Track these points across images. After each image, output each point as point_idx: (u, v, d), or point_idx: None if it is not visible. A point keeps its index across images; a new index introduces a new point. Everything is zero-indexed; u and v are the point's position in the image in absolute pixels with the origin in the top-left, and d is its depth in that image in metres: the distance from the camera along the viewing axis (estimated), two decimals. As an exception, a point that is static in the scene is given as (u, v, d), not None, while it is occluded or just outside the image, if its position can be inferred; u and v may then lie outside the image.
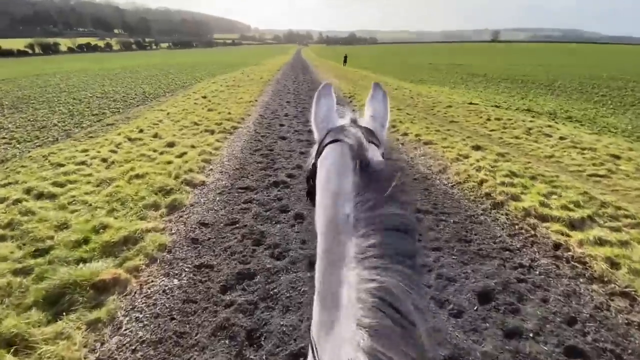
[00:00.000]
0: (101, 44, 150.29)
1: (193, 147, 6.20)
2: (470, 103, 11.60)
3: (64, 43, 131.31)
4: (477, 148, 6.34)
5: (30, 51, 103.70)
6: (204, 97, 12.01)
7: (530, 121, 8.84)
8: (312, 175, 0.81)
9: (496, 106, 11.38)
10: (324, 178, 0.68)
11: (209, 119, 8.45)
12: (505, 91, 15.98)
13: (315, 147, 0.82)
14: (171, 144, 6.38)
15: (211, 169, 5.36)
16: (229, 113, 9.19)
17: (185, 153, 5.82)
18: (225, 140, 6.80)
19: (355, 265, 0.47)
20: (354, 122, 0.80)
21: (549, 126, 8.17)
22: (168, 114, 9.23)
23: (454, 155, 5.89)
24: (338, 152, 0.68)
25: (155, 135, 6.97)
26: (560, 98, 13.97)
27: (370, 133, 0.75)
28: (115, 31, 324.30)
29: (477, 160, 5.60)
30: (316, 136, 0.85)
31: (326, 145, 0.73)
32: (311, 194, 0.81)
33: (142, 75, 23.03)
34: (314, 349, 0.57)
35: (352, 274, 0.47)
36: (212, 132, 7.15)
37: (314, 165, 0.79)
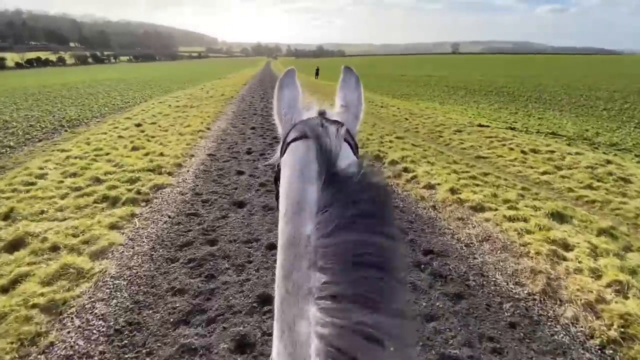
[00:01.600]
0: (53, 58, 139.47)
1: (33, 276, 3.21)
2: (480, 125, 9.43)
3: (11, 58, 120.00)
4: (559, 217, 3.89)
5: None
6: (138, 126, 8.92)
7: (577, 153, 6.66)
8: (278, 177, 0.68)
9: (511, 128, 9.27)
10: (285, 183, 0.59)
11: (125, 168, 5.45)
12: (501, 106, 14.20)
13: (280, 144, 0.71)
14: None
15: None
16: (161, 154, 6.22)
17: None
18: (128, 223, 3.81)
19: (313, 301, 0.40)
20: (322, 114, 0.68)
21: (619, 165, 5.95)
22: (66, 158, 6.10)
23: (539, 242, 3.37)
24: (302, 152, 0.59)
25: None
26: (567, 114, 12.29)
27: (341, 128, 0.62)
28: (72, 44, 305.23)
29: (592, 253, 3.12)
30: (280, 130, 0.74)
31: (290, 142, 0.63)
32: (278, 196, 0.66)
33: (78, 94, 19.28)
34: None
35: (310, 309, 0.41)
36: (114, 203, 4.16)
37: (279, 166, 0.69)
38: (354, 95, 0.79)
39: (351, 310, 0.37)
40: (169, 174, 5.27)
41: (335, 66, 65.87)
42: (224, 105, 13.32)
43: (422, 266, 3.11)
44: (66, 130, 9.23)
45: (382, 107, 13.40)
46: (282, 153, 0.67)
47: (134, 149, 6.65)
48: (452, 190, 4.62)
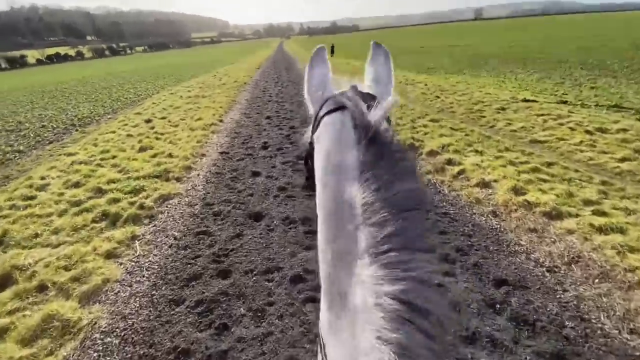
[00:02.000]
0: (72, 52, 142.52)
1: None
2: (526, 100, 8.22)
3: (32, 55, 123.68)
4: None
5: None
6: (148, 122, 8.39)
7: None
8: (309, 156, 0.69)
9: (563, 102, 8.01)
10: (322, 155, 0.57)
11: (130, 174, 4.90)
12: (543, 76, 12.63)
13: (312, 120, 0.69)
14: None
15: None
16: (170, 155, 5.63)
17: None
18: (127, 249, 3.24)
19: (369, 262, 0.40)
20: (354, 88, 0.66)
21: None
22: (71, 164, 5.64)
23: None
24: (338, 122, 0.57)
25: None
26: (623, 80, 10.67)
27: (373, 100, 0.61)
28: (88, 38, 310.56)
29: None
30: (311, 109, 0.73)
31: (323, 116, 0.61)
32: (311, 178, 0.66)
33: (93, 88, 19.14)
34: (323, 350, 0.51)
35: (366, 272, 0.40)
36: (114, 222, 3.60)
37: (311, 144, 0.67)
38: (384, 70, 0.77)
39: (415, 258, 0.37)
40: (177, 179, 4.67)
41: (350, 43, 63.15)
42: (237, 92, 12.58)
43: (498, 306, 2.35)
44: (77, 130, 8.87)
45: (407, 84, 12.21)
46: (315, 129, 0.64)
47: (142, 149, 6.10)
48: (515, 190, 3.74)
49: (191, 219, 3.63)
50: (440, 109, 8.06)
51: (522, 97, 8.53)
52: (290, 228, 3.36)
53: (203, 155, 5.68)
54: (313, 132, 0.66)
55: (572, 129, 5.85)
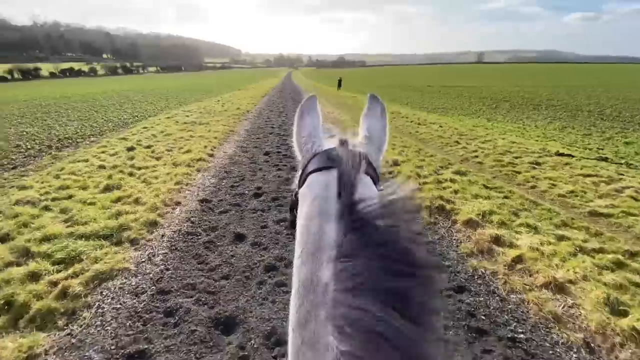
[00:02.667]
0: (85, 68, 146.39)
1: None
2: (560, 154, 7.22)
3: (46, 68, 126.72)
4: None
5: (9, 77, 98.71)
6: (130, 150, 7.35)
7: None
8: (294, 206, 0.66)
9: (603, 159, 7.01)
10: (303, 219, 0.54)
11: (76, 227, 3.73)
12: (564, 124, 11.81)
13: (298, 173, 0.68)
14: None
15: None
16: (137, 201, 4.48)
17: None
18: None
19: (334, 356, 0.36)
20: (344, 144, 0.64)
21: None
22: (15, 204, 4.48)
23: None
24: (322, 185, 0.55)
25: None
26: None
27: (364, 160, 0.58)
28: (104, 56, 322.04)
29: None
30: (299, 159, 0.71)
31: (310, 173, 0.60)
32: (294, 223, 0.63)
33: (91, 106, 18.43)
34: None
35: None
36: (15, 322, 2.38)
37: (296, 195, 0.65)
38: (379, 126, 0.74)
39: None
40: (133, 242, 3.48)
41: (357, 77, 64.34)
42: (237, 121, 11.70)
43: None
44: (50, 154, 7.82)
45: (419, 124, 11.36)
46: (301, 184, 0.63)
47: (107, 189, 4.97)
48: (609, 304, 2.56)
49: (128, 324, 2.40)
50: (464, 158, 7.04)
51: (554, 150, 7.54)
52: (275, 357, 2.14)
53: (178, 203, 4.53)
54: (299, 186, 0.63)
55: (634, 198, 4.76)
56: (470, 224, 3.96)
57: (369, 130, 0.73)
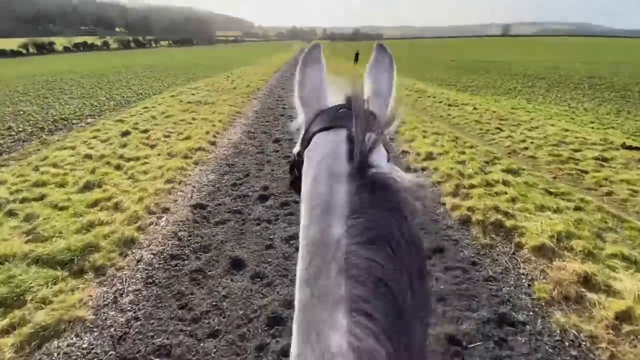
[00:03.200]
0: (98, 42, 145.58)
1: None
2: (628, 147, 5.96)
3: (60, 42, 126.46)
4: None
5: (24, 51, 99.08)
6: (124, 135, 6.53)
7: None
8: (296, 165, 0.64)
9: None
10: (310, 179, 0.52)
11: (35, 244, 2.96)
12: (619, 108, 10.27)
13: (301, 132, 0.63)
14: None
15: None
16: (116, 206, 3.65)
17: None
18: None
19: (345, 312, 0.37)
20: (352, 100, 0.57)
21: None
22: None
23: None
24: (330, 145, 0.52)
25: None
26: None
27: (373, 119, 0.55)
28: (117, 29, 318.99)
29: None
30: (301, 117, 0.65)
31: (315, 132, 0.56)
32: (295, 183, 0.63)
33: (98, 82, 17.68)
34: None
35: (342, 320, 0.37)
36: None
37: (299, 155, 0.61)
38: (386, 78, 0.69)
39: (387, 335, 0.34)
40: (97, 272, 2.67)
41: (371, 51, 60.95)
42: (246, 101, 10.68)
43: None
44: (40, 138, 7.11)
45: (450, 105, 10.06)
46: (305, 144, 0.58)
47: (87, 187, 4.17)
48: None
49: None
50: (512, 150, 5.89)
51: (619, 142, 6.27)
52: None
53: (165, 210, 3.68)
54: (303, 146, 0.60)
55: None
56: (542, 251, 2.97)
57: (375, 84, 0.68)
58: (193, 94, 11.74)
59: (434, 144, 5.98)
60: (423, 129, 6.97)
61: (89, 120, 8.61)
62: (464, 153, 5.49)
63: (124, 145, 5.87)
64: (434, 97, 11.46)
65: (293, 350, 0.46)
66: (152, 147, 5.78)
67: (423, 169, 4.93)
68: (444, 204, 3.91)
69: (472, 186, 4.21)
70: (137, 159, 5.16)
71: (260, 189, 4.27)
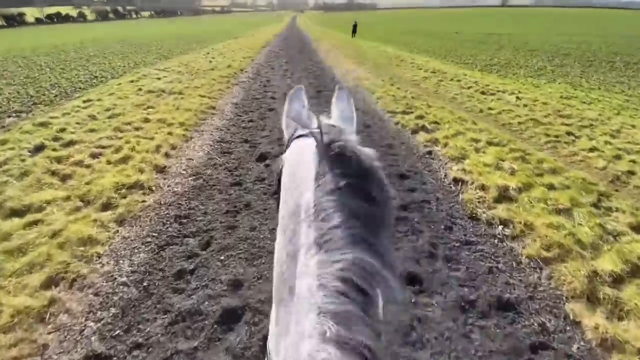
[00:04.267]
0: (74, 13, 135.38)
1: None
2: None
3: (31, 13, 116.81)
4: None
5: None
6: (37, 151, 4.37)
7: None
8: (281, 176, 0.71)
9: None
10: (287, 170, 0.64)
11: None
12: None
13: (285, 146, 0.78)
14: None
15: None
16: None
17: None
18: None
19: (315, 252, 0.44)
20: (321, 120, 0.68)
21: None
22: None
23: None
24: (305, 142, 0.65)
25: None
26: None
27: (340, 131, 0.64)
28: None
29: None
30: (286, 135, 0.80)
31: (293, 140, 0.71)
32: (278, 193, 0.71)
33: (53, 60, 14.93)
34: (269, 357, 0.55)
35: (312, 261, 0.43)
36: None
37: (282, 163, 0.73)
38: (347, 108, 0.86)
39: (352, 250, 0.41)
40: None
41: (371, 22, 56.86)
42: (225, 88, 8.40)
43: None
44: None
45: (483, 92, 7.95)
46: (286, 150, 0.72)
47: None
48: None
49: None
50: (610, 175, 3.94)
51: None
52: None
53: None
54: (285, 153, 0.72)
55: None
56: None
57: (340, 113, 0.83)
58: (159, 78, 9.37)
59: (499, 165, 3.99)
60: (470, 135, 4.96)
61: (7, 121, 6.35)
62: (552, 187, 3.52)
63: (23, 175, 3.75)
64: (459, 81, 9.30)
65: (271, 329, 0.54)
66: (64, 179, 3.66)
67: (502, 224, 2.98)
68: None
69: (617, 278, 2.30)
70: (25, 211, 3.07)
71: (230, 282, 2.31)
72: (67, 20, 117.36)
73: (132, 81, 9.01)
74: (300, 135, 0.69)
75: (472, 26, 42.63)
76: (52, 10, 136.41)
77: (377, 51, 16.59)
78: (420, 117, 5.94)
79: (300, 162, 0.59)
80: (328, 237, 0.42)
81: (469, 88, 8.47)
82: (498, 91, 8.02)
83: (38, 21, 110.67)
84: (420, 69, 11.45)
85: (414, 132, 5.35)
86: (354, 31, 26.26)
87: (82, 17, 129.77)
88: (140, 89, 7.93)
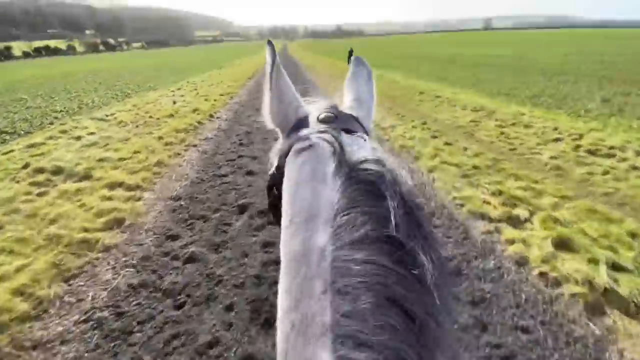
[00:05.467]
0: (63, 46, 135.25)
1: None
2: None
3: (19, 47, 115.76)
4: None
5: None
6: None
7: None
8: (276, 183, 0.55)
9: None
10: (291, 184, 0.47)
11: None
12: None
13: (280, 142, 0.59)
14: None
15: None
16: None
17: None
18: None
19: (330, 343, 0.29)
20: (333, 108, 0.56)
21: None
22: None
23: None
24: (314, 148, 0.47)
25: None
26: None
27: (356, 122, 0.54)
28: (87, 32, 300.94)
29: None
30: (279, 127, 0.60)
31: (296, 140, 0.51)
32: (275, 207, 0.54)
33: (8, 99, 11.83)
34: None
35: (326, 351, 0.29)
36: None
37: (279, 168, 0.54)
38: (366, 88, 0.68)
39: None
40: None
41: (364, 48, 55.63)
42: (173, 155, 5.25)
43: None
44: None
45: (591, 151, 4.95)
46: (286, 153, 0.52)
47: None
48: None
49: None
50: None
51: None
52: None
53: None
54: (283, 156, 0.53)
55: None
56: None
57: (357, 94, 0.65)
58: (79, 138, 6.19)
59: None
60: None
61: None
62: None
63: None
64: (528, 127, 6.30)
65: None
66: None
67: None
68: None
69: None
70: None
71: None
72: (56, 53, 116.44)
73: (31, 146, 5.79)
74: (311, 133, 0.49)
75: (469, 49, 41.28)
76: (41, 43, 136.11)
77: (385, 81, 13.86)
78: (549, 226, 2.84)
79: (312, 174, 0.43)
80: (349, 330, 0.28)
81: (556, 141, 5.46)
82: (610, 148, 4.99)
83: (26, 55, 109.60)
84: (454, 105, 8.56)
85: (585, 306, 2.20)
86: (350, 57, 24.11)
87: (71, 50, 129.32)
88: (26, 166, 4.71)
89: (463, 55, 30.79)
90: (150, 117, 7.72)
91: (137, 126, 6.93)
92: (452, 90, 10.62)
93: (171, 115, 7.79)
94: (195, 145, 5.67)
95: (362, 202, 0.35)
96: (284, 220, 0.45)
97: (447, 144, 5.42)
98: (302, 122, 0.55)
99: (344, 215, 0.35)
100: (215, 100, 9.94)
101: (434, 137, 5.80)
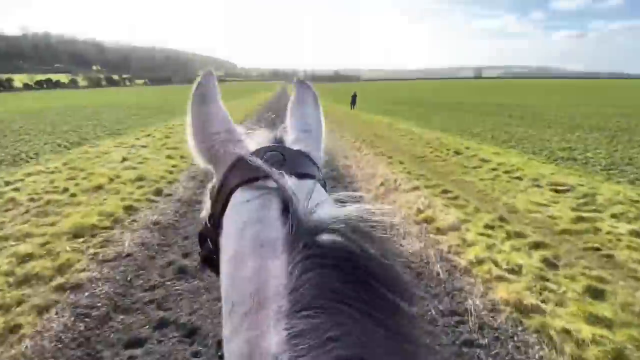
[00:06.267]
0: (65, 80, 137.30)
1: None
2: None
3: (20, 79, 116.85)
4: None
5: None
6: None
7: None
8: (209, 234, 0.47)
9: None
10: (230, 257, 0.38)
11: None
12: None
13: (213, 185, 0.48)
14: None
15: None
16: None
17: None
18: None
19: None
20: (280, 146, 0.48)
21: None
22: None
23: None
24: (256, 204, 0.39)
25: None
26: None
27: (310, 164, 0.46)
28: (94, 67, 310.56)
29: None
30: (208, 164, 0.49)
31: (233, 189, 0.42)
32: (210, 259, 0.47)
33: None
34: None
35: None
36: None
37: (213, 218, 0.45)
38: (314, 116, 0.59)
39: None
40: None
41: (363, 92, 55.67)
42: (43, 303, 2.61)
43: None
44: None
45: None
46: (221, 206, 0.43)
47: None
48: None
49: None
50: None
51: None
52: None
53: None
54: (218, 207, 0.44)
55: None
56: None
57: (304, 124, 0.56)
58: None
59: None
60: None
61: None
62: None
63: None
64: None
65: None
66: None
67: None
68: None
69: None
70: None
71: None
72: (57, 87, 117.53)
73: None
74: (251, 179, 0.41)
75: (467, 96, 40.86)
76: (42, 76, 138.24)
77: (398, 131, 11.65)
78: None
79: (256, 243, 0.35)
80: None
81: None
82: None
83: (26, 87, 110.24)
84: (518, 177, 6.01)
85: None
86: (353, 102, 22.57)
87: (74, 84, 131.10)
88: None
89: (463, 102, 29.72)
90: (66, 189, 5.10)
91: (35, 213, 4.27)
92: (493, 150, 8.27)
93: (98, 188, 5.18)
94: (100, 279, 2.96)
95: (325, 301, 0.26)
96: (224, 306, 0.36)
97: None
98: (240, 162, 0.44)
99: (302, 316, 0.26)
100: (182, 157, 7.46)
101: (549, 262, 3.13)
